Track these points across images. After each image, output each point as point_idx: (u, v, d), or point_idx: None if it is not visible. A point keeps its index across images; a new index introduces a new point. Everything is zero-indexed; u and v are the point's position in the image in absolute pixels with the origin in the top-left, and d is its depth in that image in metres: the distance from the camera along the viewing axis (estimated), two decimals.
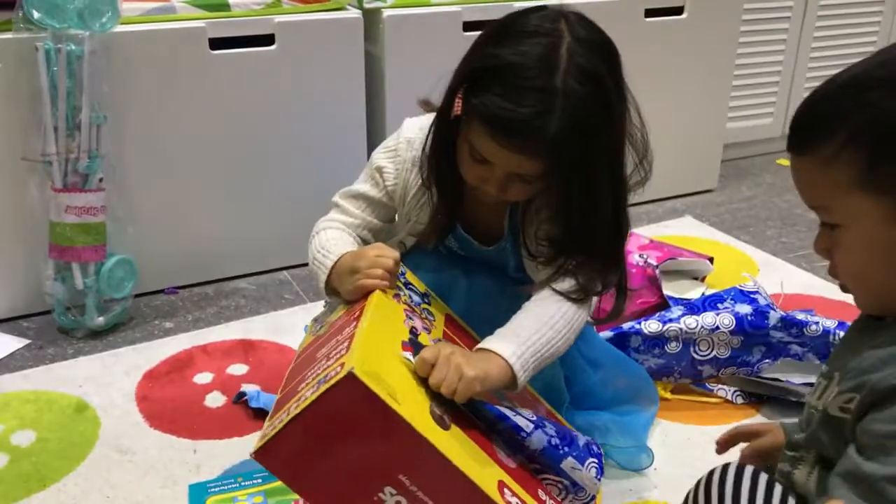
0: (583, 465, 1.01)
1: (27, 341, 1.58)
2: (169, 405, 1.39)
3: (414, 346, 0.92)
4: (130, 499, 1.18)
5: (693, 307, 1.42)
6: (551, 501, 0.94)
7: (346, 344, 0.85)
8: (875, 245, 0.74)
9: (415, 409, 0.82)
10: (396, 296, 1.00)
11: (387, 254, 1.04)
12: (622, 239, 1.10)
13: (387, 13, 1.77)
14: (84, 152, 1.52)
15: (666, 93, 2.13)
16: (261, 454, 0.82)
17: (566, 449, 1.00)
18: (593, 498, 1.03)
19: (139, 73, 1.60)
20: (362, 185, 1.19)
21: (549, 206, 1.08)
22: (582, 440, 1.05)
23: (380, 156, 1.18)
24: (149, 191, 1.69)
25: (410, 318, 0.97)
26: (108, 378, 1.46)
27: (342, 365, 0.79)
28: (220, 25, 1.65)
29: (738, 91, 2.43)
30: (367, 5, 1.78)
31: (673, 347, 1.38)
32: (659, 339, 1.38)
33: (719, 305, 1.41)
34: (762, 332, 1.38)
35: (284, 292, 1.78)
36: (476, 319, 1.14)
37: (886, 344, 0.73)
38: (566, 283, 1.07)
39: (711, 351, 1.39)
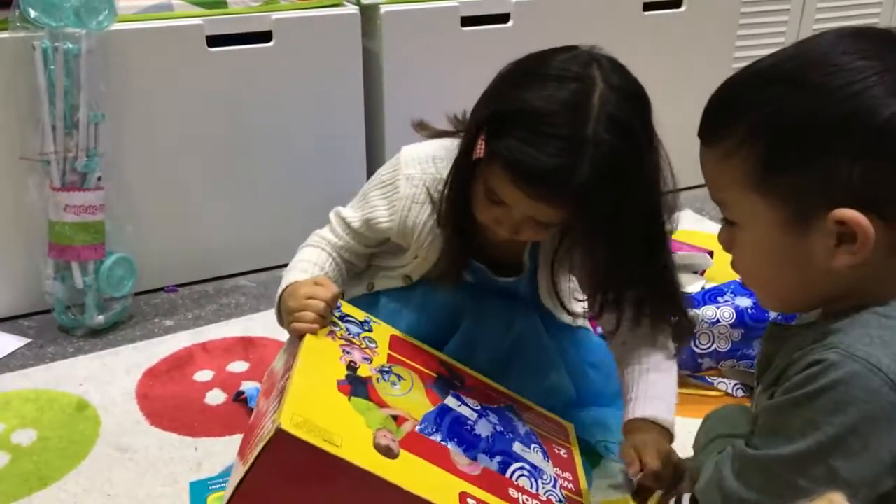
0: (529, 447, 1.02)
1: (27, 340, 1.58)
2: (169, 403, 1.39)
3: (352, 382, 0.93)
4: (131, 497, 1.18)
5: (693, 300, 1.42)
6: (524, 497, 0.94)
7: (278, 399, 0.87)
8: (767, 249, 0.72)
9: (357, 446, 0.83)
10: (331, 332, 1.00)
11: (319, 294, 1.00)
12: (669, 280, 1.07)
13: (384, 9, 1.77)
14: (82, 151, 1.52)
15: (664, 87, 2.12)
16: None
17: (510, 435, 1.01)
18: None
19: (137, 72, 1.60)
20: (352, 214, 1.15)
21: (579, 248, 1.06)
22: (523, 428, 1.06)
23: (375, 193, 1.13)
24: (148, 189, 1.68)
25: (348, 352, 0.98)
26: (109, 376, 1.46)
27: (273, 422, 0.81)
28: (218, 23, 1.65)
29: None
30: (364, 1, 1.78)
31: None
32: None
33: (719, 299, 1.41)
34: (763, 325, 1.37)
35: None
36: (483, 350, 1.13)
37: (799, 346, 0.72)
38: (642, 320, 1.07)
39: (712, 344, 1.39)
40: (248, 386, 1.41)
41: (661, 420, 1.02)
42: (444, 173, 1.07)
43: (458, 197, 1.04)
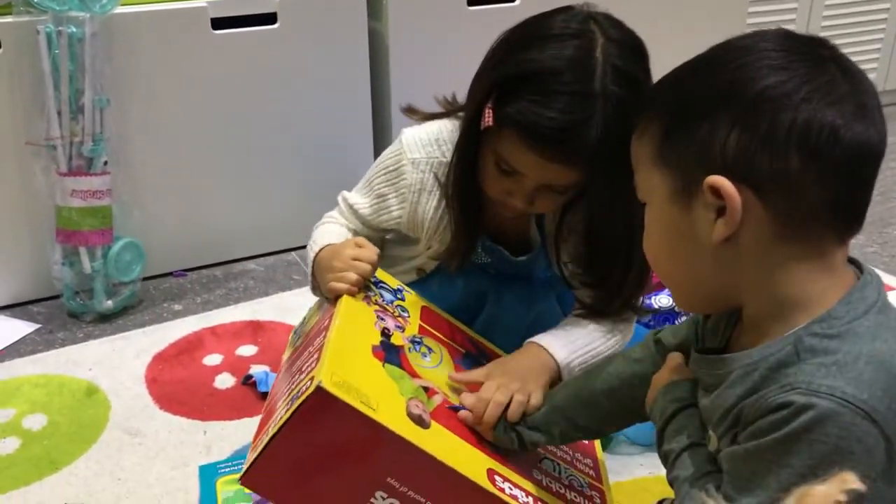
0: None
1: (37, 326, 1.58)
2: (178, 387, 1.39)
3: (386, 349, 0.91)
4: (141, 481, 1.18)
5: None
6: (548, 479, 0.93)
7: (315, 356, 0.85)
8: (662, 224, 0.72)
9: (392, 412, 0.81)
10: (367, 297, 0.98)
11: (364, 256, 0.99)
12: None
13: None
14: (88, 135, 1.51)
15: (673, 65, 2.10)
16: (247, 480, 0.82)
17: None
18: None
19: (141, 55, 1.59)
20: (360, 201, 1.13)
21: (586, 217, 1.02)
22: None
23: (379, 180, 1.11)
24: (155, 173, 1.68)
25: (382, 318, 0.96)
26: (118, 361, 1.46)
27: (311, 379, 0.79)
28: (222, 5, 1.63)
29: None
30: None
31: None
32: (670, 314, 1.37)
33: None
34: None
35: (293, 273, 1.77)
36: (503, 333, 1.12)
37: (738, 379, 0.69)
38: (614, 304, 1.05)
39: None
40: (256, 370, 1.40)
41: (548, 349, 0.99)
42: (449, 156, 1.06)
43: (464, 173, 1.02)
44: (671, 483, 0.78)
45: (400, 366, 0.90)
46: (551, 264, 1.12)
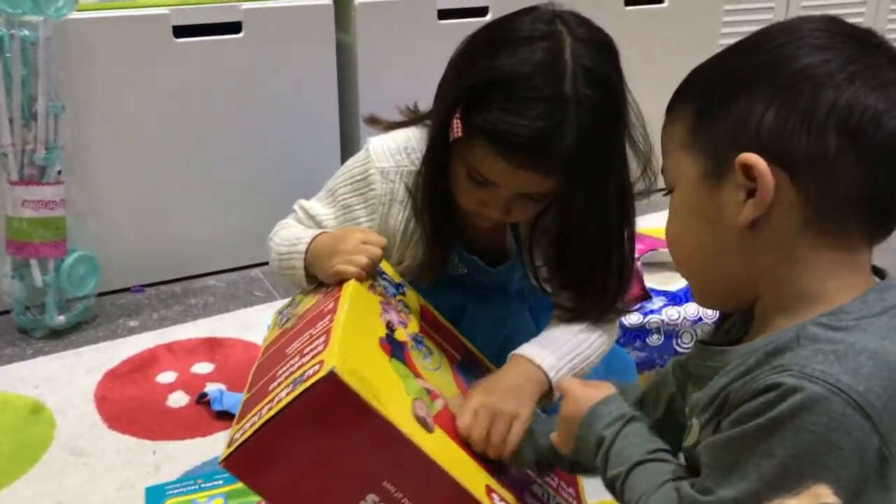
0: None
1: None
2: (129, 405, 1.33)
3: (391, 343, 0.85)
4: (84, 503, 1.12)
5: (675, 298, 1.37)
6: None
7: (322, 339, 0.78)
8: (687, 207, 0.69)
9: (399, 410, 0.75)
10: (372, 286, 0.93)
11: (373, 240, 0.95)
12: (632, 250, 1.01)
13: (359, 0, 1.72)
14: (41, 143, 1.46)
15: (646, 83, 2.08)
16: (230, 462, 0.73)
17: None
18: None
19: (99, 62, 1.54)
20: (323, 212, 1.06)
21: (560, 221, 0.99)
22: None
23: (345, 189, 1.05)
24: (112, 184, 1.63)
25: (386, 311, 0.90)
26: (67, 378, 1.40)
27: (321, 363, 0.72)
28: (185, 12, 1.59)
29: None
30: None
31: (655, 340, 1.33)
32: (640, 332, 1.33)
33: None
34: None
35: (255, 289, 1.72)
36: (481, 341, 1.07)
37: (734, 367, 0.65)
38: (596, 309, 1.01)
39: (694, 343, 1.34)
40: (211, 388, 1.35)
41: (534, 359, 0.95)
42: (418, 165, 1.01)
43: (434, 185, 0.97)
44: None
45: (405, 363, 0.84)
46: (526, 271, 1.08)
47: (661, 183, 0.96)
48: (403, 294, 0.99)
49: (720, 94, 0.66)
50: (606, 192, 0.93)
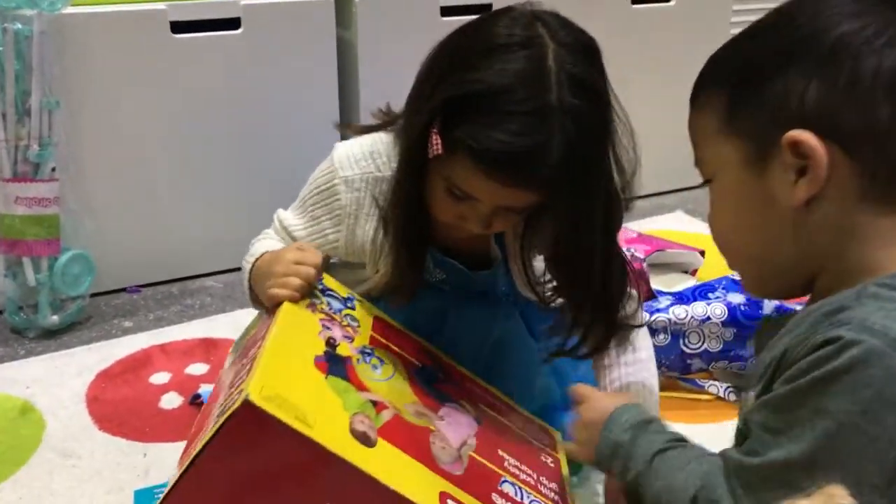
0: None
1: None
2: (121, 407, 1.30)
3: (330, 360, 0.83)
4: None
5: (682, 297, 1.34)
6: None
7: (248, 367, 0.77)
8: (734, 196, 0.68)
9: (332, 429, 0.74)
10: (311, 305, 0.91)
11: (308, 260, 0.90)
12: (623, 270, 0.97)
13: None
14: (35, 139, 1.43)
15: (653, 83, 2.06)
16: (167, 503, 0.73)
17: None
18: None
19: (95, 57, 1.52)
20: (294, 223, 1.03)
21: (552, 239, 0.94)
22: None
23: (313, 201, 1.00)
24: (108, 182, 1.60)
25: (328, 327, 0.89)
26: (58, 379, 1.37)
27: (241, 391, 0.71)
28: (183, 8, 1.57)
29: None
30: None
31: (661, 340, 1.29)
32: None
33: (710, 295, 1.32)
34: (757, 324, 1.29)
35: None
36: (462, 357, 1.03)
37: (790, 329, 0.64)
38: (609, 329, 0.96)
39: (702, 344, 1.30)
40: (206, 389, 1.31)
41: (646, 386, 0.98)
42: (386, 171, 0.96)
43: (408, 200, 0.91)
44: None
45: (346, 378, 0.82)
46: (514, 283, 1.04)
47: (645, 189, 0.94)
48: (352, 308, 0.96)
49: (753, 76, 0.64)
50: (594, 200, 0.87)
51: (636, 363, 1.01)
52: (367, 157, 0.98)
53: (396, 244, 0.95)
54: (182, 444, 1.19)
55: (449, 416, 0.90)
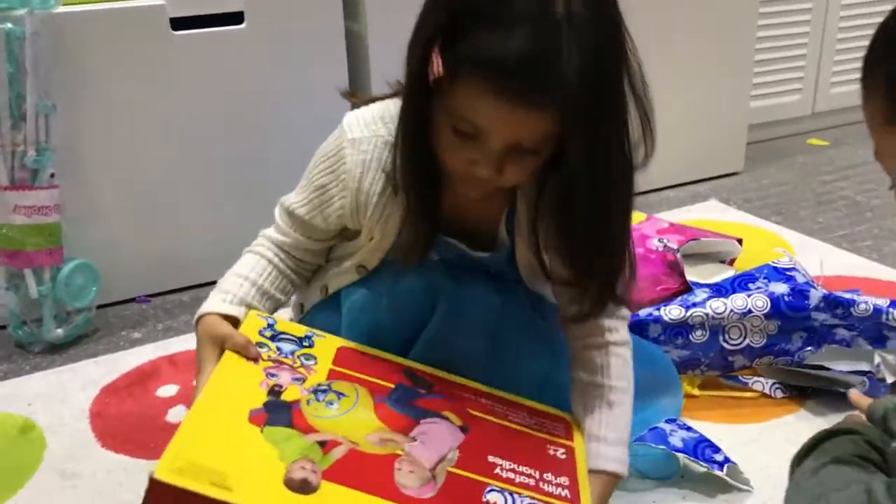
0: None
1: None
2: (125, 422, 1.23)
3: (270, 409, 0.81)
4: None
5: (720, 289, 1.23)
6: None
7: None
8: None
9: (261, 484, 0.72)
10: (255, 354, 0.88)
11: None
12: (629, 225, 0.90)
13: None
14: (31, 145, 1.37)
15: (683, 69, 1.96)
16: None
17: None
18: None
19: (92, 58, 1.45)
20: (296, 200, 0.99)
21: (563, 191, 0.85)
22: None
23: (319, 169, 0.97)
24: (111, 188, 1.54)
25: (274, 374, 0.86)
26: (62, 394, 1.30)
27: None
28: (182, 3, 1.50)
29: (761, 66, 2.25)
30: None
31: (699, 336, 1.19)
32: (682, 327, 1.20)
33: (750, 286, 1.22)
34: (802, 315, 1.18)
35: None
36: (467, 330, 0.96)
37: None
38: (600, 299, 0.91)
39: (744, 339, 1.20)
40: None
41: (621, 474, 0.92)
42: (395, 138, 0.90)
43: (416, 147, 0.86)
44: None
45: (289, 424, 0.80)
46: (520, 268, 0.97)
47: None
48: (310, 345, 0.93)
49: None
50: (611, 145, 0.80)
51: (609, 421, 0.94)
52: (376, 120, 0.93)
53: (406, 187, 0.89)
54: None
55: (425, 434, 0.85)
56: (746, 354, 1.21)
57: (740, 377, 1.23)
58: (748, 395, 1.21)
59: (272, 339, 0.91)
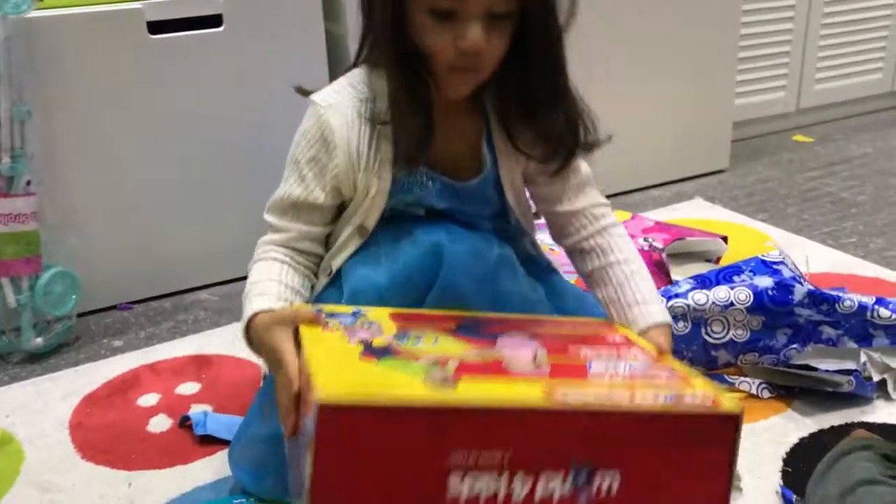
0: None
1: None
2: (106, 433, 1.21)
3: (373, 352, 0.79)
4: None
5: (704, 280, 1.23)
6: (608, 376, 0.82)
7: (307, 389, 0.73)
8: None
9: (411, 390, 0.71)
10: (326, 326, 0.87)
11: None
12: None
13: None
14: (6, 152, 1.35)
15: (666, 67, 1.95)
16: None
17: None
18: None
19: (69, 63, 1.43)
20: (291, 191, 1.00)
21: (522, 60, 0.93)
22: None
23: (304, 146, 0.98)
24: (90, 194, 1.52)
25: (353, 335, 0.85)
26: (41, 405, 1.28)
27: (314, 405, 0.66)
28: (160, 7, 1.48)
29: (745, 63, 2.24)
30: None
31: (681, 328, 1.18)
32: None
33: (735, 278, 1.22)
34: (786, 310, 1.18)
35: None
36: (467, 280, 0.96)
37: None
38: (581, 170, 1.01)
39: (727, 332, 1.19)
40: (196, 410, 1.22)
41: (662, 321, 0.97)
42: (366, 93, 0.95)
43: (398, 43, 0.90)
44: None
45: (396, 357, 0.79)
46: (504, 192, 1.01)
47: None
48: (364, 315, 0.92)
49: None
50: (553, 6, 0.91)
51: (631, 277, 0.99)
52: (344, 87, 0.98)
53: (395, 86, 0.92)
54: (169, 471, 1.12)
55: (507, 345, 0.86)
56: (730, 350, 1.20)
57: (727, 377, 1.22)
58: (735, 395, 1.20)
59: (331, 316, 0.90)
